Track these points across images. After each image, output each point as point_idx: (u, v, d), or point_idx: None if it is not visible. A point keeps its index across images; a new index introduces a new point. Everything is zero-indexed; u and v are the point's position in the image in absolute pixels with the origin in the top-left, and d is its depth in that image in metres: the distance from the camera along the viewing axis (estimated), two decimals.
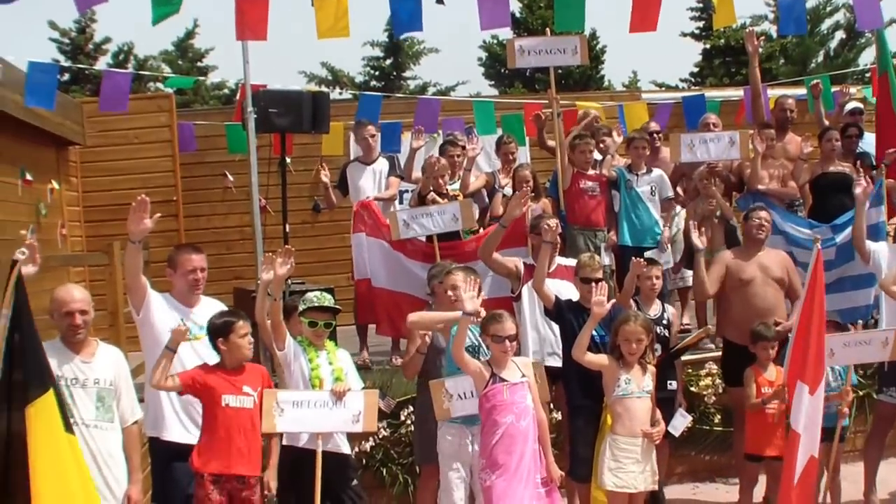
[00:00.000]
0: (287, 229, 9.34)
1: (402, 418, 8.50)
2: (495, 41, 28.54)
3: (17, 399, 5.06)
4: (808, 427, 7.14)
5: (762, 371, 7.80)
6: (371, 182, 10.18)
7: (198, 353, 6.45)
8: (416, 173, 10.16)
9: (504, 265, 8.40)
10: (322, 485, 6.30)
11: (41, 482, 4.96)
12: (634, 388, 6.84)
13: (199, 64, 29.35)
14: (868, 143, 10.44)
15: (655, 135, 10.63)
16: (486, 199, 10.15)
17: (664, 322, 7.96)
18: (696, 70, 29.40)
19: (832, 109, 11.43)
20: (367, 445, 8.43)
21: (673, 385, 7.81)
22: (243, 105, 8.89)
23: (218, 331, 6.24)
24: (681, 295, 10.72)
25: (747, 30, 11.77)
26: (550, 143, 10.54)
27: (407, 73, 30.09)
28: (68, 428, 5.22)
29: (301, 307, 6.74)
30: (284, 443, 6.57)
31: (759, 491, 8.07)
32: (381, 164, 10.33)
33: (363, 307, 9.59)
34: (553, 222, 8.03)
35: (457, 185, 9.70)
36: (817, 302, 7.25)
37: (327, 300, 6.73)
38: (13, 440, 5.03)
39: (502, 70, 28.42)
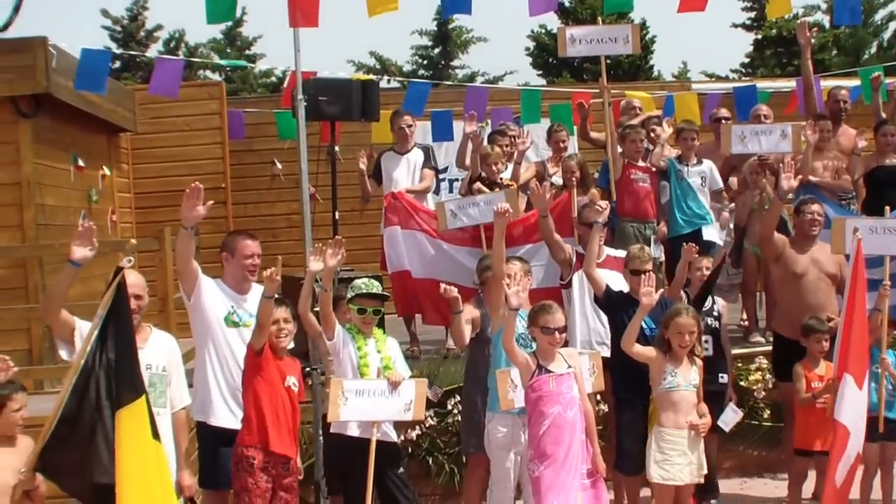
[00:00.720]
0: (336, 217, 9.36)
1: (449, 407, 8.51)
2: (543, 31, 28.47)
3: (104, 396, 5.15)
4: (856, 424, 7.06)
5: (812, 366, 7.71)
6: (405, 172, 10.11)
7: (245, 341, 6.43)
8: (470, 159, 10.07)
9: (562, 248, 8.35)
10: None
11: (125, 486, 5.03)
12: (681, 380, 6.78)
13: (247, 52, 29.59)
14: None
15: (724, 122, 10.43)
16: None
17: (714, 314, 7.90)
18: (746, 61, 29.18)
19: (888, 101, 11.26)
20: (414, 434, 8.45)
21: (724, 378, 7.76)
22: (293, 93, 8.90)
23: None
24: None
25: (799, 20, 11.64)
26: (593, 134, 10.47)
27: (455, 62, 30.13)
28: (156, 435, 5.27)
29: (349, 294, 6.74)
30: (332, 430, 6.59)
31: (809, 487, 8.00)
32: (416, 155, 10.22)
33: (401, 300, 9.58)
34: (604, 203, 8.00)
35: (506, 175, 9.63)
36: (859, 293, 7.17)
37: (375, 287, 6.73)
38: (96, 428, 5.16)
39: (550, 60, 28.38)
